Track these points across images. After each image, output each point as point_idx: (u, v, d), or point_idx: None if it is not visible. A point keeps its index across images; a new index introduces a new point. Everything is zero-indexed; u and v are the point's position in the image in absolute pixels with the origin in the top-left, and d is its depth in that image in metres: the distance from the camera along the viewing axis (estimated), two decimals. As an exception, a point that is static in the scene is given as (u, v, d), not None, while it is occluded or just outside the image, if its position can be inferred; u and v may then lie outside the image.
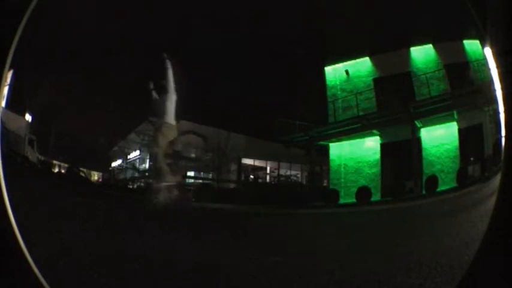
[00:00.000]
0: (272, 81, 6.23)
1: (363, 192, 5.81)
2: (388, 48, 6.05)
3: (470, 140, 5.25)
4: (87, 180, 6.31)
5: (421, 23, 5.50)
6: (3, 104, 2.48)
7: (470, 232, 2.38)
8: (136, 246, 2.96)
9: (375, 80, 6.32)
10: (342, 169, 6.23)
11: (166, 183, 4.29)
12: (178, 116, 5.83)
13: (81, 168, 5.85)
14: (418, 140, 5.65)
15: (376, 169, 5.95)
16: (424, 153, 5.57)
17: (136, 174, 7.39)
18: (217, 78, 6.30)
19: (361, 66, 6.47)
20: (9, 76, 1.35)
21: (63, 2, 4.55)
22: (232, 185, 7.22)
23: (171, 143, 4.43)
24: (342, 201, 5.96)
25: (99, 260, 2.43)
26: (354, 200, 5.82)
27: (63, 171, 5.77)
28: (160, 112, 4.46)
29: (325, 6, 5.59)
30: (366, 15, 5.54)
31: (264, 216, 5.39)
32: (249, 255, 2.84)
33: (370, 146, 6.10)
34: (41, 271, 1.25)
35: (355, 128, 6.22)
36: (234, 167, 7.04)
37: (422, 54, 6.01)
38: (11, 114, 4.88)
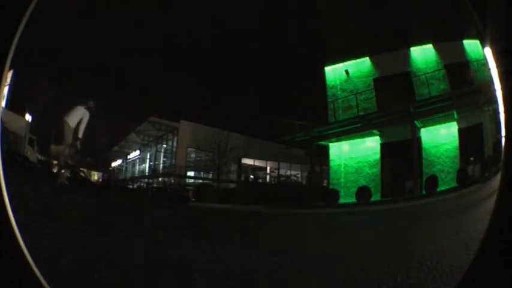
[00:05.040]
0: (272, 81, 6.23)
1: (363, 192, 5.81)
2: (388, 48, 6.06)
3: (470, 140, 5.25)
4: (87, 180, 6.30)
5: (421, 23, 5.50)
6: (3, 104, 2.48)
7: (470, 232, 2.38)
8: (135, 246, 2.96)
9: (375, 80, 6.31)
10: (342, 169, 6.23)
11: None
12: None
13: (81, 168, 5.85)
14: (418, 140, 5.65)
15: (376, 169, 5.95)
16: (424, 153, 5.57)
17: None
18: (217, 79, 6.30)
19: (361, 66, 6.47)
20: (9, 76, 1.35)
21: (63, 2, 4.55)
22: (232, 185, 7.22)
23: None
24: (342, 201, 5.97)
25: (99, 259, 2.43)
26: (354, 200, 5.82)
27: (63, 171, 5.77)
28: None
29: (325, 6, 5.59)
30: (366, 15, 5.54)
31: (264, 216, 5.39)
32: (248, 255, 2.84)
33: (370, 146, 6.10)
34: (41, 271, 1.25)
35: (355, 128, 6.22)
36: (234, 167, 7.04)
37: (422, 54, 6.01)
38: (11, 114, 4.88)
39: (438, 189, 5.18)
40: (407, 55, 6.07)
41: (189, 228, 4.02)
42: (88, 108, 5.13)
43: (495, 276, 1.01)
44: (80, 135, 5.13)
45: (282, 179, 7.31)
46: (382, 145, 6.03)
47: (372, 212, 5.40)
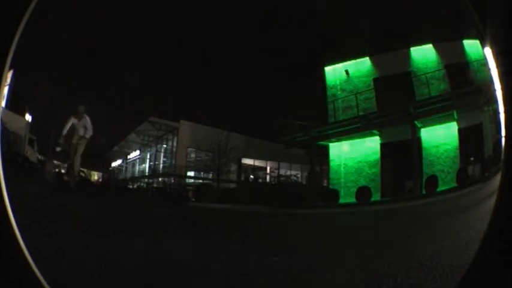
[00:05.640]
0: (272, 81, 6.23)
1: (363, 192, 5.82)
2: (388, 48, 6.06)
3: (470, 140, 5.25)
4: (87, 180, 6.30)
5: (421, 23, 5.50)
6: (3, 104, 2.47)
7: (470, 232, 2.38)
8: (135, 246, 2.96)
9: (375, 80, 6.32)
10: (342, 169, 6.24)
11: None
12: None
13: (81, 168, 5.85)
14: (418, 140, 5.65)
15: (376, 169, 5.95)
16: (424, 153, 5.57)
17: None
18: (217, 79, 6.30)
19: (361, 66, 6.48)
20: (9, 76, 1.35)
21: (63, 2, 4.55)
22: (232, 185, 7.23)
23: None
24: (342, 201, 5.97)
25: (99, 259, 2.43)
26: (354, 200, 5.83)
27: (63, 171, 5.77)
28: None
29: (325, 7, 5.59)
30: (366, 15, 5.54)
31: (264, 216, 5.39)
32: (248, 255, 2.84)
33: (370, 146, 6.10)
34: (41, 271, 1.25)
35: (355, 128, 6.22)
36: (234, 167, 7.05)
37: (422, 54, 6.01)
38: (11, 114, 4.88)
39: (438, 189, 5.19)
40: (407, 55, 6.08)
41: (189, 228, 4.02)
42: (80, 113, 5.19)
43: (495, 276, 1.01)
44: (88, 135, 5.21)
45: (282, 179, 7.31)
46: (382, 145, 6.04)
47: (371, 212, 5.40)
